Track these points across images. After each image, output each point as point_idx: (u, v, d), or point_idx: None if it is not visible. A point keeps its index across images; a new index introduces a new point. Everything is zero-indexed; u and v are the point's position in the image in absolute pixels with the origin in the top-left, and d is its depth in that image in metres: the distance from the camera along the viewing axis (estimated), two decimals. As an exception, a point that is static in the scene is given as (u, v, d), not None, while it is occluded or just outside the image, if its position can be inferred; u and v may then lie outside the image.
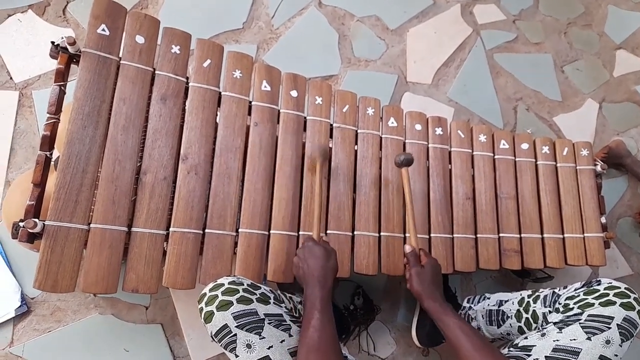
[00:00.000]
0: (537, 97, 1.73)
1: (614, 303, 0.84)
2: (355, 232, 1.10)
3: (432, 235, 1.17)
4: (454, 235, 1.19)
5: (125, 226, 0.91)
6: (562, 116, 1.73)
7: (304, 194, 1.07)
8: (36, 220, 0.82)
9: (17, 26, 1.45)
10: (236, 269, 0.98)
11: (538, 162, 1.32)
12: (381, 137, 1.20)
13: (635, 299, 0.85)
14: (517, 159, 1.30)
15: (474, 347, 0.82)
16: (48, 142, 0.88)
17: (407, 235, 1.13)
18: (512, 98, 1.71)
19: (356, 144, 1.17)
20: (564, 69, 1.80)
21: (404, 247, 1.06)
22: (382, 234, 1.12)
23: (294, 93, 1.12)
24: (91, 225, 0.88)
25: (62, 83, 0.91)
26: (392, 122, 1.21)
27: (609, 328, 0.81)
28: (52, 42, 0.92)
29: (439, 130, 1.25)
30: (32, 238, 0.83)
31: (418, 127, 1.24)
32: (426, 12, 1.77)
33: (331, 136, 1.15)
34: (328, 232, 1.08)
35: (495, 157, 1.29)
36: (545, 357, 0.82)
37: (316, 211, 1.01)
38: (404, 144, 1.22)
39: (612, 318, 0.82)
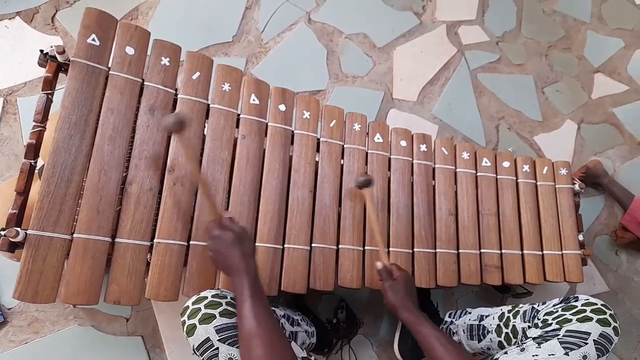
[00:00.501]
0: (519, 117, 1.78)
1: (590, 319, 0.86)
2: (340, 246, 1.11)
3: (415, 249, 1.19)
4: (437, 250, 1.21)
5: (109, 236, 0.90)
6: (543, 136, 1.77)
7: (290, 207, 1.08)
8: (18, 229, 0.81)
9: (3, 32, 1.44)
10: (220, 281, 0.98)
11: (519, 180, 1.35)
12: (367, 153, 1.21)
13: (611, 315, 0.87)
14: (498, 177, 1.33)
15: (449, 356, 0.83)
16: (33, 150, 0.87)
17: (375, 248, 1.13)
18: (495, 117, 1.75)
19: (342, 158, 1.18)
20: (545, 90, 1.86)
21: (375, 264, 1.06)
22: (366, 247, 1.13)
23: (282, 107, 1.13)
24: (74, 235, 0.87)
25: (49, 91, 0.91)
26: (378, 138, 1.23)
27: (586, 343, 0.83)
28: (41, 51, 0.92)
29: (423, 147, 1.28)
30: (13, 247, 0.82)
31: (403, 143, 1.26)
32: (413, 31, 1.81)
33: (318, 150, 1.16)
34: (313, 245, 1.08)
35: (478, 174, 1.32)
36: (525, 372, 0.84)
37: (202, 188, 0.94)
38: (389, 159, 1.24)
39: (589, 334, 0.84)
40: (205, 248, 0.96)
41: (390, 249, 1.16)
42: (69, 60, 0.92)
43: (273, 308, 1.00)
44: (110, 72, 0.96)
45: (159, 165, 0.97)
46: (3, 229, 0.81)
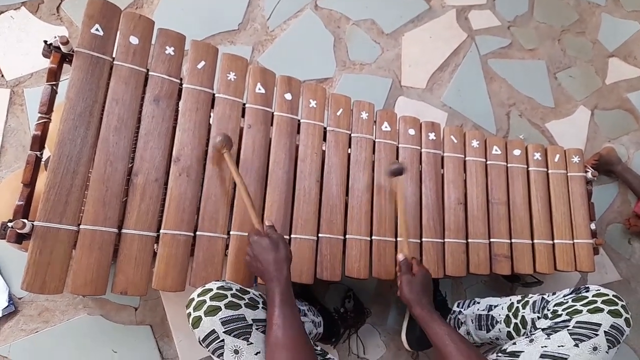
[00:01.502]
0: (530, 103, 1.74)
1: (601, 310, 0.85)
2: (347, 236, 1.10)
3: (423, 239, 1.18)
4: (445, 240, 1.20)
5: (115, 227, 0.90)
6: (555, 122, 1.74)
7: (297, 197, 1.07)
8: (25, 220, 0.81)
9: (9, 23, 1.44)
10: (227, 271, 0.98)
11: (530, 169, 1.33)
12: (374, 142, 1.20)
13: (622, 306, 0.86)
14: (509, 165, 1.31)
15: (461, 354, 0.83)
16: (39, 142, 0.87)
17: (399, 239, 1.13)
18: (506, 104, 1.72)
19: (349, 147, 1.17)
20: (557, 75, 1.82)
21: (396, 255, 1.06)
22: (373, 237, 1.13)
23: (288, 96, 1.12)
24: (81, 227, 0.87)
25: (54, 82, 0.90)
26: (386, 127, 1.22)
27: (597, 335, 0.82)
28: (45, 42, 0.91)
29: (432, 135, 1.26)
30: (20, 238, 0.83)
31: (411, 131, 1.24)
32: (422, 16, 1.77)
33: (325, 139, 1.15)
34: (320, 235, 1.07)
35: (488, 162, 1.30)
36: (533, 363, 0.83)
37: (246, 200, 0.95)
38: (397, 148, 1.22)
39: (599, 325, 0.83)
40: (212, 239, 0.96)
41: (398, 238, 1.15)
42: (72, 51, 0.91)
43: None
44: (115, 62, 0.95)
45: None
46: (10, 221, 0.81)
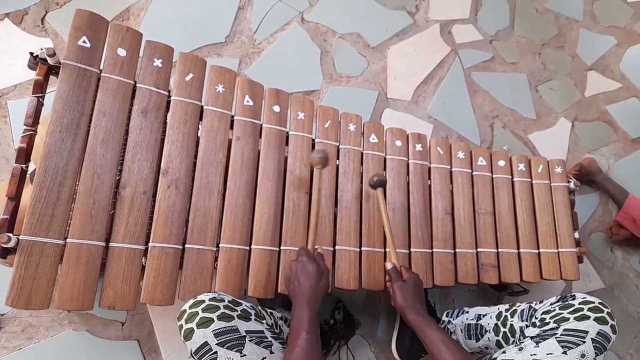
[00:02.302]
0: (513, 115, 1.78)
1: (588, 317, 0.86)
2: (337, 247, 1.10)
3: (412, 249, 1.18)
4: (434, 250, 1.21)
5: (103, 241, 0.89)
6: (537, 134, 1.78)
7: (286, 209, 1.07)
8: (10, 234, 0.79)
9: (-7, 35, 1.42)
10: (216, 284, 0.97)
11: (514, 179, 1.35)
12: (362, 153, 1.21)
13: (608, 313, 0.87)
14: (494, 176, 1.33)
15: None
16: (24, 155, 0.86)
17: (387, 250, 1.14)
18: (489, 116, 1.76)
19: (338, 159, 1.18)
20: (538, 88, 1.86)
21: (385, 264, 1.06)
22: (363, 248, 1.13)
23: (277, 108, 1.12)
24: (67, 240, 0.85)
25: (40, 94, 0.89)
26: (373, 138, 1.23)
27: (584, 342, 0.83)
28: (31, 53, 0.91)
29: (418, 147, 1.27)
30: (5, 253, 0.81)
31: (398, 143, 1.26)
32: (406, 30, 1.81)
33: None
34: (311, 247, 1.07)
35: (473, 173, 1.32)
36: (523, 371, 0.84)
37: (313, 220, 0.99)
38: (385, 159, 1.23)
39: (586, 332, 0.84)
40: (201, 252, 0.96)
41: (387, 249, 1.15)
42: (59, 63, 0.91)
43: (270, 311, 0.99)
44: (102, 74, 0.94)
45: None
46: (-5, 235, 0.80)
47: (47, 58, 0.90)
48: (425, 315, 0.95)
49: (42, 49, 0.89)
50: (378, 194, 1.11)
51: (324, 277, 0.92)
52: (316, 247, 1.00)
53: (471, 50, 1.84)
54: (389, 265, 1.05)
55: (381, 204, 1.10)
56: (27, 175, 0.89)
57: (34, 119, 0.88)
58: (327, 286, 0.93)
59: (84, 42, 0.93)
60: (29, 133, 0.87)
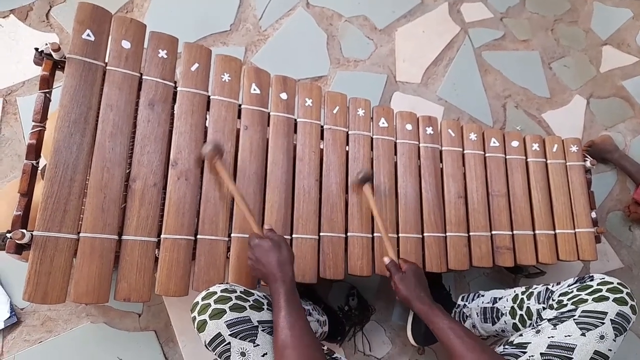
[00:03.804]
0: (526, 94, 1.74)
1: (607, 298, 0.84)
2: (349, 234, 1.10)
3: (425, 234, 1.17)
4: (447, 234, 1.19)
5: (115, 234, 0.89)
6: (551, 112, 1.74)
7: (296, 196, 1.07)
8: (24, 230, 0.80)
9: (-1, 32, 1.43)
10: (229, 274, 0.97)
11: (528, 160, 1.32)
12: (372, 138, 1.19)
13: (627, 293, 0.85)
14: (507, 157, 1.31)
15: (467, 348, 0.82)
16: (34, 151, 0.87)
17: (385, 243, 1.09)
18: (501, 95, 1.72)
19: (347, 145, 1.17)
20: (552, 65, 1.82)
21: (383, 259, 1.04)
22: (375, 234, 1.12)
23: (284, 95, 1.11)
24: (80, 235, 0.86)
25: (47, 90, 0.89)
26: (383, 123, 1.21)
27: (603, 323, 0.82)
28: (36, 49, 0.90)
29: (429, 130, 1.25)
30: (20, 249, 0.82)
31: (409, 127, 1.24)
32: (414, 11, 1.77)
33: (322, 138, 1.14)
34: (321, 234, 1.07)
35: (486, 155, 1.29)
36: (541, 353, 0.83)
37: (242, 207, 0.95)
38: (395, 144, 1.22)
39: (605, 313, 0.83)
40: (214, 242, 0.96)
41: (400, 234, 1.14)
42: (64, 58, 0.90)
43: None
44: (108, 67, 0.94)
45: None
46: (9, 232, 0.80)
47: (52, 53, 0.89)
48: (430, 303, 0.94)
49: (46, 44, 0.89)
50: (364, 190, 1.09)
51: (282, 246, 0.89)
52: (264, 227, 0.96)
53: (481, 29, 1.80)
54: (386, 260, 1.03)
55: (370, 199, 1.07)
56: (39, 171, 0.89)
57: (42, 114, 0.88)
58: (290, 253, 0.90)
59: (88, 35, 0.92)
60: (38, 129, 0.88)
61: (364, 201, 1.12)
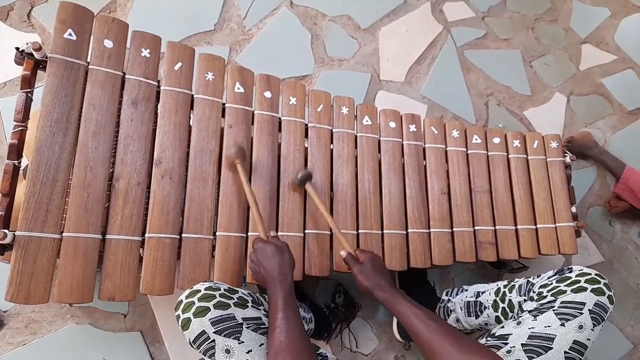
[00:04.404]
0: (508, 92, 1.77)
1: (585, 289, 0.86)
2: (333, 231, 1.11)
3: (409, 230, 1.19)
4: (431, 230, 1.21)
5: (99, 234, 0.89)
6: (532, 110, 1.77)
7: (281, 195, 1.07)
8: (6, 231, 0.80)
9: (-21, 32, 1.41)
10: (215, 272, 0.98)
11: (510, 156, 1.35)
12: (356, 136, 1.20)
13: (605, 284, 0.88)
14: (489, 153, 1.33)
15: (428, 329, 0.81)
16: (16, 151, 0.86)
17: (339, 238, 1.07)
18: (484, 93, 1.74)
19: (332, 143, 1.17)
20: (533, 63, 1.85)
21: (339, 253, 1.02)
22: (360, 231, 1.13)
23: (268, 94, 1.12)
24: (64, 234, 0.86)
25: (28, 90, 0.89)
26: (367, 121, 1.22)
27: (581, 313, 0.84)
28: (17, 48, 0.90)
29: (412, 127, 1.27)
30: (2, 249, 0.81)
31: (392, 124, 1.25)
32: (397, 10, 1.79)
33: (306, 136, 1.15)
34: (306, 231, 1.08)
35: (469, 152, 1.31)
36: (522, 344, 0.84)
37: (254, 210, 0.97)
38: (379, 141, 1.23)
39: (583, 304, 0.85)
40: (199, 241, 0.96)
41: (384, 231, 1.16)
42: (46, 57, 0.90)
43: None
44: (90, 66, 0.94)
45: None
46: (-10, 232, 0.80)
47: (34, 52, 0.89)
48: (391, 290, 0.91)
49: (27, 44, 0.89)
50: (307, 189, 1.07)
51: (285, 252, 0.90)
52: (269, 233, 0.97)
53: (463, 28, 1.82)
54: (343, 253, 1.01)
55: (315, 197, 1.05)
56: (21, 171, 0.89)
57: (24, 114, 0.88)
58: (291, 260, 0.90)
59: (70, 35, 0.92)
60: (19, 129, 0.87)
61: (349, 197, 1.13)
